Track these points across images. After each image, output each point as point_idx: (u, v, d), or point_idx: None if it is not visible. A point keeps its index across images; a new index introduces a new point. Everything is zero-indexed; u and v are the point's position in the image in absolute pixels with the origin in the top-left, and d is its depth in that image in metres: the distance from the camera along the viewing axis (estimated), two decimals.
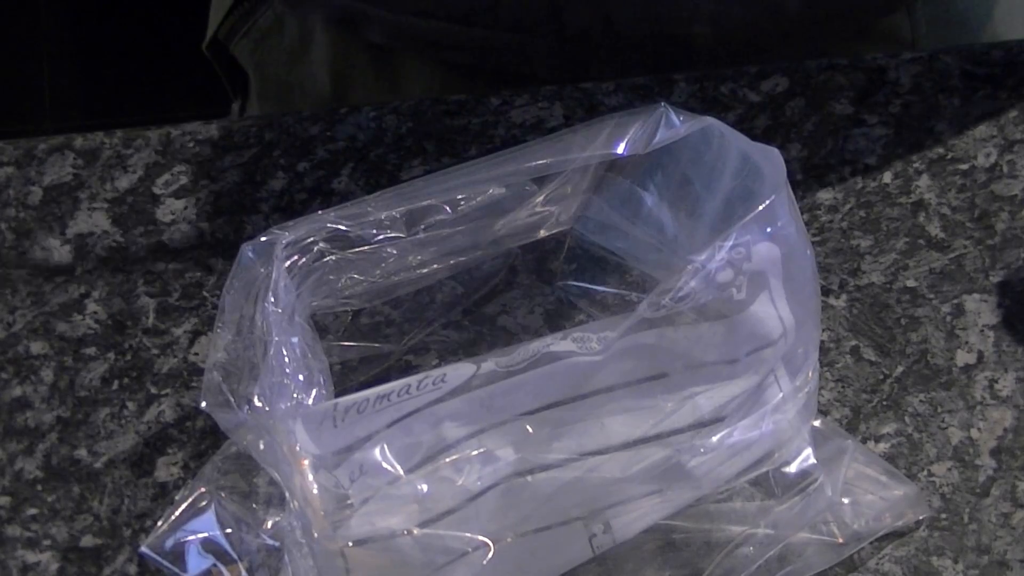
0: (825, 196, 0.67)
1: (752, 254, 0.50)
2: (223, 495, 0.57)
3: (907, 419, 0.61)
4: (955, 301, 0.64)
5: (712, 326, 0.50)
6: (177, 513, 0.57)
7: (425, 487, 0.48)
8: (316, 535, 0.49)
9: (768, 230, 0.50)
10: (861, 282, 0.65)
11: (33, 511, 0.60)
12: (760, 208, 0.50)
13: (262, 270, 0.52)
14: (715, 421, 0.52)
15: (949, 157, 0.68)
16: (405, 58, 0.85)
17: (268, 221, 0.67)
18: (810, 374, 0.54)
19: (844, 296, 0.64)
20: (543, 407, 0.50)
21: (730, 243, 0.49)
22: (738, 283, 0.50)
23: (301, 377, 0.51)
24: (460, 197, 0.57)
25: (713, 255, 0.49)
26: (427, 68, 0.84)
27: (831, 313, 0.64)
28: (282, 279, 0.52)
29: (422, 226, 0.57)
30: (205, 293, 0.65)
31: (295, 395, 0.50)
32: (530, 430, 0.49)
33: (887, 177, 0.68)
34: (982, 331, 0.63)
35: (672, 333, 0.50)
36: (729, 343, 0.51)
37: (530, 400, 0.50)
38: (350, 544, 0.49)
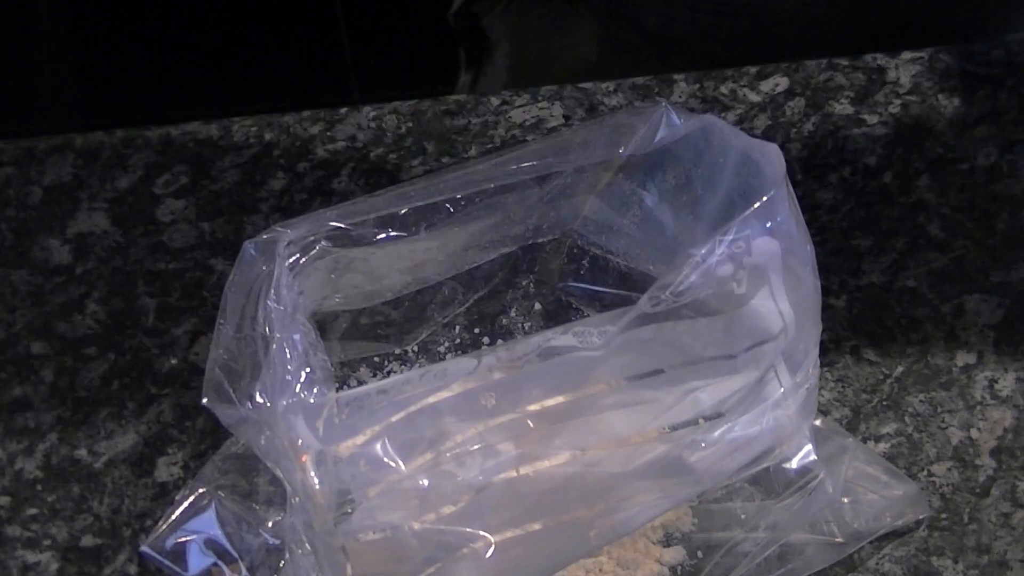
0: (825, 196, 0.67)
1: (752, 248, 0.50)
2: (223, 494, 0.57)
3: (907, 419, 0.61)
4: (955, 301, 0.64)
5: (712, 321, 0.50)
6: (177, 513, 0.57)
7: (426, 482, 0.48)
8: (317, 530, 0.49)
9: (768, 225, 0.50)
10: (861, 282, 0.65)
11: (33, 511, 0.60)
12: (760, 203, 0.50)
13: (264, 268, 0.52)
14: (715, 416, 0.52)
15: (949, 157, 0.68)
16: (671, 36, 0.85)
17: (268, 221, 0.67)
18: (811, 370, 0.54)
19: (844, 296, 0.64)
20: (544, 402, 0.50)
21: (730, 237, 0.49)
22: (738, 277, 0.49)
23: (303, 374, 0.51)
24: (460, 197, 0.57)
25: (713, 249, 0.49)
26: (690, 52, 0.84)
27: (831, 313, 0.64)
28: (284, 277, 0.52)
29: (423, 226, 0.57)
30: (205, 293, 0.65)
31: (297, 391, 0.50)
32: (531, 425, 0.49)
33: (887, 177, 0.68)
34: (982, 331, 0.63)
35: (672, 328, 0.50)
36: (729, 338, 0.51)
37: (531, 395, 0.50)
38: (352, 539, 0.49)
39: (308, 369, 0.51)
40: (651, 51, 0.85)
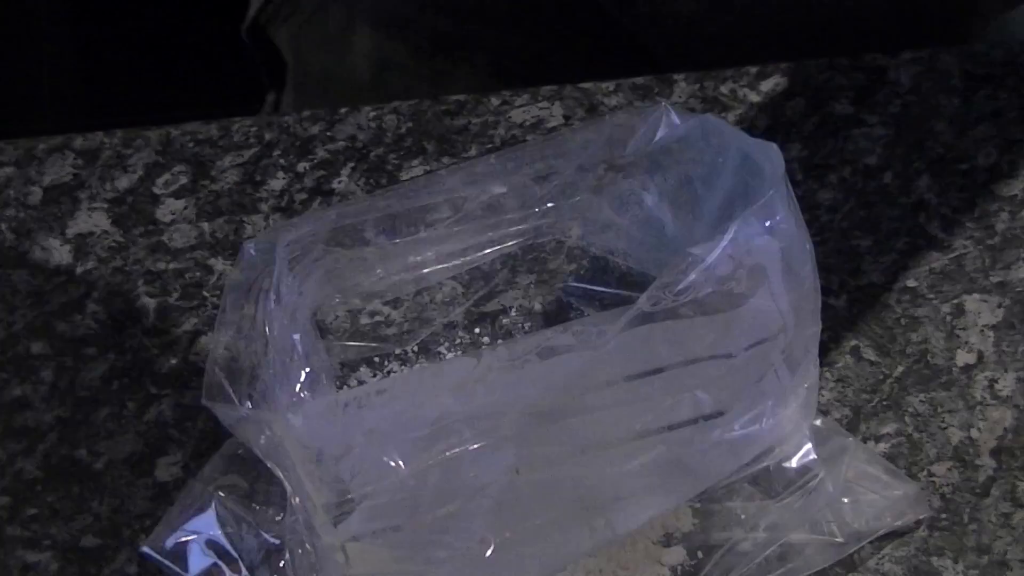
0: (825, 196, 0.67)
1: (751, 248, 0.50)
2: (223, 495, 0.57)
3: (907, 419, 0.61)
4: (955, 301, 0.64)
5: (711, 320, 0.50)
6: (177, 513, 0.57)
7: (426, 482, 0.48)
8: (317, 530, 0.49)
9: (767, 224, 0.50)
10: (861, 282, 0.65)
11: (33, 511, 0.60)
12: (759, 202, 0.50)
13: (264, 267, 0.52)
14: (715, 415, 0.52)
15: (949, 157, 0.68)
16: (451, 53, 0.84)
17: (268, 221, 0.67)
18: (810, 369, 0.54)
19: (844, 296, 0.64)
20: (543, 401, 0.50)
21: (729, 237, 0.49)
22: (737, 277, 0.50)
23: (303, 373, 0.51)
24: (460, 197, 0.57)
25: (712, 249, 0.49)
26: (467, 66, 0.84)
27: (831, 313, 0.64)
28: (284, 277, 0.52)
29: (422, 226, 0.57)
30: (205, 293, 0.65)
31: (297, 391, 0.50)
32: (530, 424, 0.49)
33: (887, 177, 0.68)
34: (982, 331, 0.63)
35: (671, 327, 0.50)
36: (728, 337, 0.51)
37: (530, 394, 0.50)
38: (351, 539, 0.49)
39: (308, 369, 0.51)
40: (426, 71, 0.84)
